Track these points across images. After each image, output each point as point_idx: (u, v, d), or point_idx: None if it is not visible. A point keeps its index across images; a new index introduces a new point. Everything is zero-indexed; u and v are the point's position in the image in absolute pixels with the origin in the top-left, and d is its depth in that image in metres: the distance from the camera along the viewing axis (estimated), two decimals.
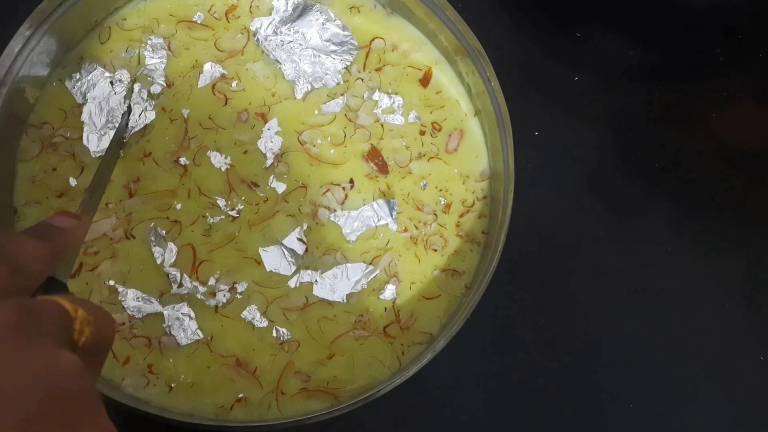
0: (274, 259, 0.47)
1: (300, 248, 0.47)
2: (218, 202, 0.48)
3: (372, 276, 0.47)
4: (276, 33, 0.50)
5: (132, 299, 0.46)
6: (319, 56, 0.50)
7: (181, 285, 0.46)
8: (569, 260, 0.53)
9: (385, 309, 0.47)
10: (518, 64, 0.55)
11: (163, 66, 0.50)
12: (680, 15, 0.58)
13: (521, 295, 0.52)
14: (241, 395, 0.45)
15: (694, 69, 0.58)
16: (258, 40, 0.50)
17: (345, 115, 0.50)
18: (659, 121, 0.56)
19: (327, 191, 0.49)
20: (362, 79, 0.51)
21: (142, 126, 0.48)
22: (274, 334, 0.46)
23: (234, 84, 0.50)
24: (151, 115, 0.48)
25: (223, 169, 0.48)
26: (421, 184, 0.49)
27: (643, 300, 0.52)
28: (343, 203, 0.49)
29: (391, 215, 0.48)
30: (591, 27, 0.57)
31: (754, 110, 0.58)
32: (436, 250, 0.49)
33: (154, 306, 0.46)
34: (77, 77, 0.49)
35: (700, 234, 0.54)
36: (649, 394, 0.51)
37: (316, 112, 0.50)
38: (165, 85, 0.49)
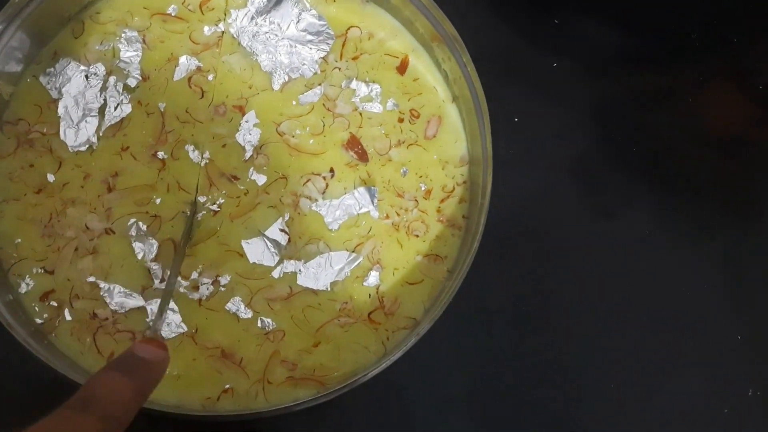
0: (256, 251, 0.47)
1: (283, 239, 0.47)
2: (198, 198, 0.48)
3: (355, 264, 0.48)
4: (252, 24, 0.50)
5: (114, 294, 0.46)
6: (296, 46, 0.50)
7: (163, 280, 0.46)
8: (551, 243, 0.54)
9: (369, 296, 0.48)
10: (496, 50, 0.56)
11: (139, 59, 0.49)
12: (657, 0, 0.59)
13: (504, 278, 0.52)
14: (227, 386, 0.45)
15: (670, 54, 0.58)
16: (234, 31, 0.50)
17: (323, 104, 0.50)
18: (638, 105, 0.57)
19: (308, 181, 0.49)
20: (339, 69, 0.51)
21: (119, 120, 0.48)
22: (259, 324, 0.46)
23: (210, 77, 0.50)
24: (127, 109, 0.48)
25: (202, 163, 0.48)
26: (402, 171, 0.50)
27: (625, 282, 0.53)
28: (324, 192, 0.49)
29: (373, 203, 0.49)
30: (569, 13, 0.58)
31: (730, 94, 0.59)
32: (418, 236, 0.49)
33: (137, 301, 0.46)
34: (52, 72, 0.48)
35: (681, 217, 0.55)
36: (630, 373, 0.51)
37: (294, 102, 0.50)
38: (140, 78, 0.49)
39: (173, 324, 0.45)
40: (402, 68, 0.52)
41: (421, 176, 0.50)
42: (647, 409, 0.51)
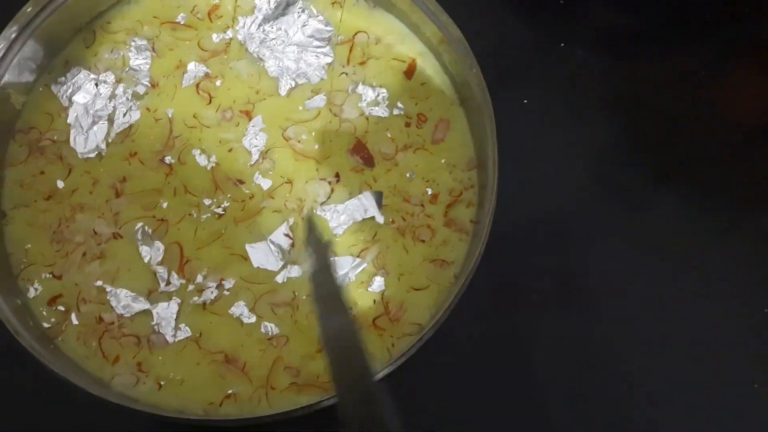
0: (261, 255, 0.47)
1: (287, 243, 0.47)
2: (204, 200, 0.48)
3: (360, 269, 0.47)
4: (259, 31, 0.50)
5: (121, 298, 0.46)
6: (303, 52, 0.50)
7: (168, 283, 0.46)
8: (565, 244, 0.52)
9: (374, 301, 0.47)
10: (503, 46, 0.55)
11: (148, 67, 0.50)
12: None
13: (515, 283, 0.51)
14: (230, 391, 0.45)
15: (682, 34, 0.56)
16: (241, 38, 0.51)
17: (329, 109, 0.50)
18: (653, 90, 0.55)
19: (313, 186, 0.49)
20: (346, 74, 0.51)
21: (127, 126, 0.49)
22: (263, 329, 0.46)
23: (218, 82, 0.50)
24: (135, 115, 0.49)
25: (208, 167, 0.48)
26: (408, 175, 0.49)
27: (637, 280, 0.51)
28: (329, 197, 0.49)
29: (378, 207, 0.48)
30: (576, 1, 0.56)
31: (749, 71, 0.57)
32: (423, 241, 0.48)
33: (143, 304, 0.46)
34: (63, 81, 0.49)
35: (706, 207, 0.53)
36: (641, 366, 0.50)
37: (301, 107, 0.50)
38: (149, 85, 0.50)
39: (178, 328, 0.45)
40: (409, 72, 0.51)
41: (427, 180, 0.49)
42: (656, 402, 0.49)
